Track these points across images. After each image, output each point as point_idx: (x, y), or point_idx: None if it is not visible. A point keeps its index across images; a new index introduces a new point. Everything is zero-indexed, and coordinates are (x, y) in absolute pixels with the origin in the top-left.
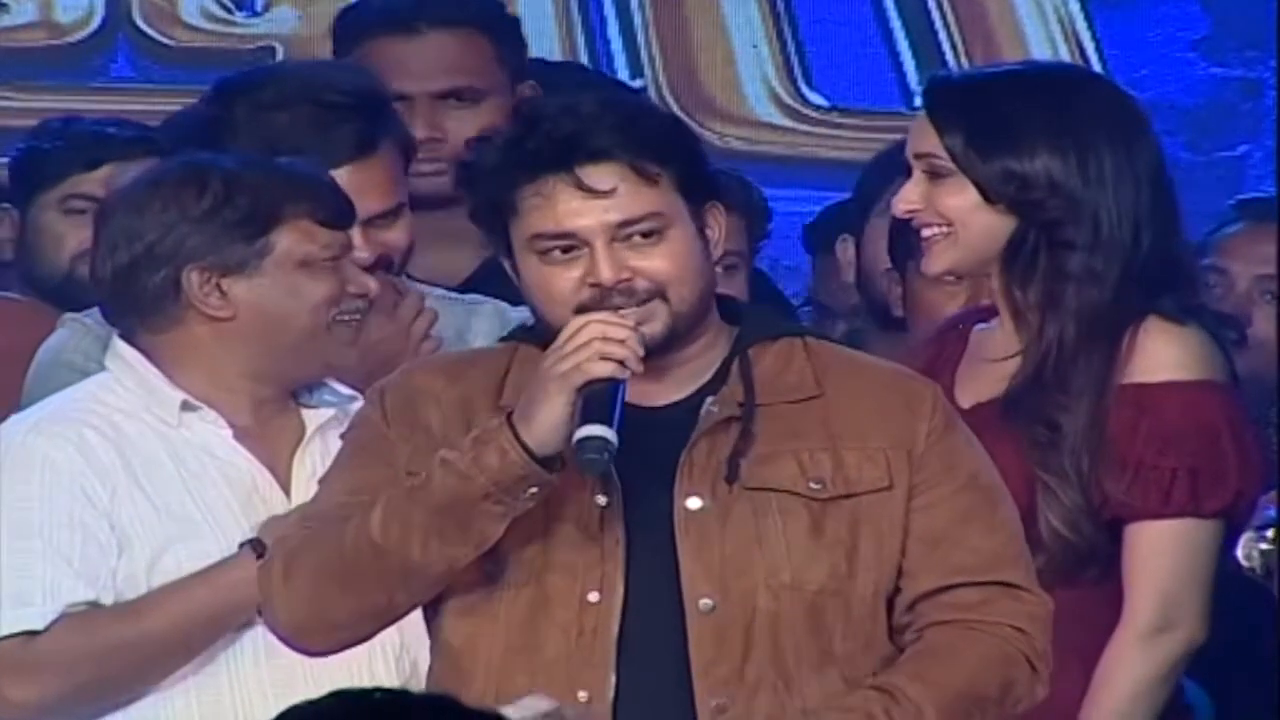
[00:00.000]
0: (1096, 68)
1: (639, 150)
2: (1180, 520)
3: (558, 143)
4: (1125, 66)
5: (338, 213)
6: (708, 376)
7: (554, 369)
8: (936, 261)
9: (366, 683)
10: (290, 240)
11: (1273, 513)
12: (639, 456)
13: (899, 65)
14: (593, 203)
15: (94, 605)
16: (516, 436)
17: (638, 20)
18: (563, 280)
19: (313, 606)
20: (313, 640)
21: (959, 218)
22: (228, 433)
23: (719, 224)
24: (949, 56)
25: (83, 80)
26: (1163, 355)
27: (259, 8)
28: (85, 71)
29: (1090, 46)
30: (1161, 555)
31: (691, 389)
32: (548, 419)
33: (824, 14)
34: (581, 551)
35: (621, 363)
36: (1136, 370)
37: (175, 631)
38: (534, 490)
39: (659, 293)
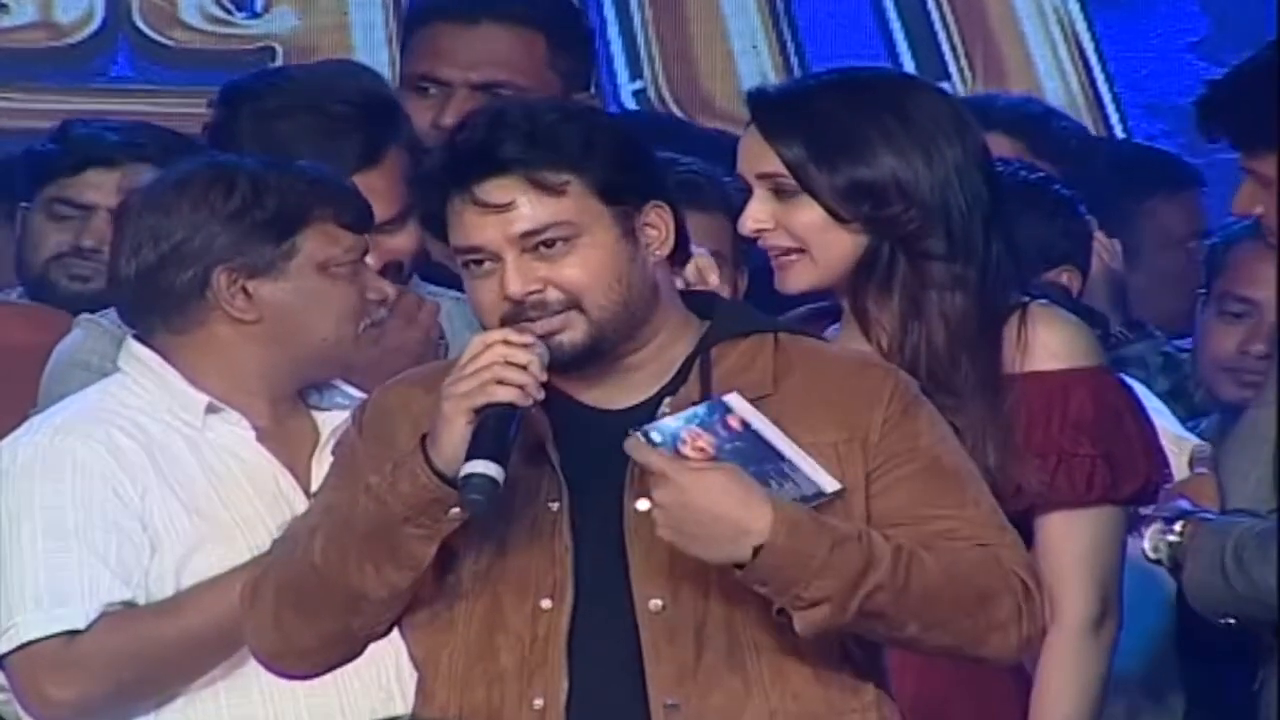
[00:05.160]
0: (1096, 69)
1: (542, 161)
2: (1101, 508)
3: (459, 158)
4: (1125, 67)
5: (359, 216)
6: (669, 377)
7: (453, 389)
8: (794, 282)
9: (394, 686)
10: (315, 243)
11: (1181, 504)
12: (595, 459)
13: (898, 66)
14: (492, 217)
15: (129, 605)
16: (428, 460)
17: (637, 21)
18: (484, 293)
19: (278, 633)
20: (286, 665)
21: (812, 237)
22: (251, 434)
23: (663, 223)
24: (948, 57)
25: (83, 81)
26: (1057, 342)
27: (259, 8)
28: (85, 72)
29: (1090, 47)
30: (1089, 543)
31: (652, 391)
32: (449, 441)
33: (823, 14)
34: (533, 558)
35: (522, 388)
36: (1034, 359)
37: (215, 628)
38: (455, 511)
39: (573, 303)
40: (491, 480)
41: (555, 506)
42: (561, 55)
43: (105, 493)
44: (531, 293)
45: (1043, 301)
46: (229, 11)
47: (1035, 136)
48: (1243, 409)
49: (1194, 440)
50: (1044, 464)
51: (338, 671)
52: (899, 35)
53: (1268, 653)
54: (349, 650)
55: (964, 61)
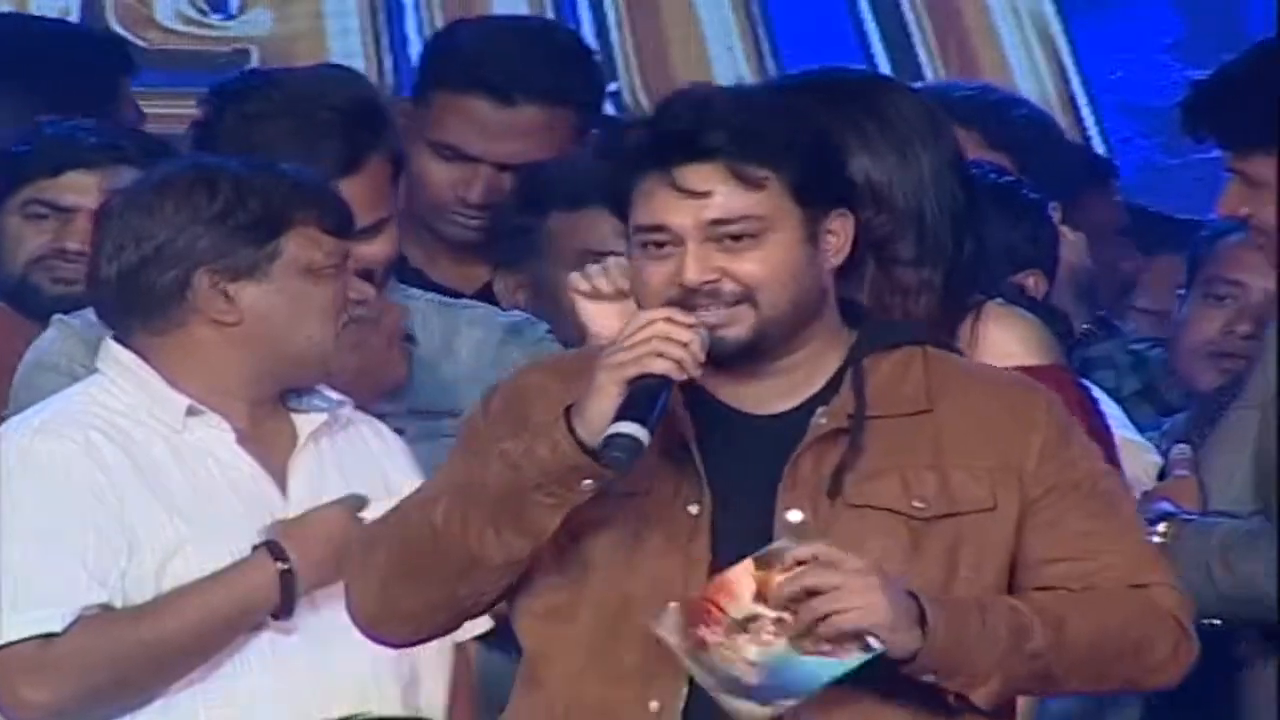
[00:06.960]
0: (1071, 71)
1: (747, 153)
2: None
3: (664, 139)
4: (1100, 69)
5: (341, 221)
6: (820, 385)
7: (609, 359)
8: None
9: (371, 689)
10: (297, 246)
11: (1163, 506)
12: (741, 464)
13: (873, 67)
14: (687, 202)
15: (106, 608)
16: (571, 428)
17: (611, 20)
18: (655, 275)
19: (382, 597)
20: (386, 630)
21: None
22: (231, 437)
23: (844, 232)
24: (923, 60)
25: None
26: (1007, 340)
27: (234, 10)
28: None
29: (1065, 49)
30: None
31: (802, 397)
32: (598, 410)
33: (798, 16)
34: (667, 560)
35: (679, 363)
36: (986, 357)
37: (192, 633)
38: (588, 482)
39: (747, 297)
40: (636, 440)
41: (695, 510)
42: (585, 119)
43: (83, 494)
44: (707, 282)
45: (998, 300)
46: (204, 13)
47: (989, 125)
48: (1213, 400)
49: (1149, 447)
50: None
51: (315, 673)
52: (874, 36)
53: (1253, 653)
54: (448, 621)
55: (939, 63)
